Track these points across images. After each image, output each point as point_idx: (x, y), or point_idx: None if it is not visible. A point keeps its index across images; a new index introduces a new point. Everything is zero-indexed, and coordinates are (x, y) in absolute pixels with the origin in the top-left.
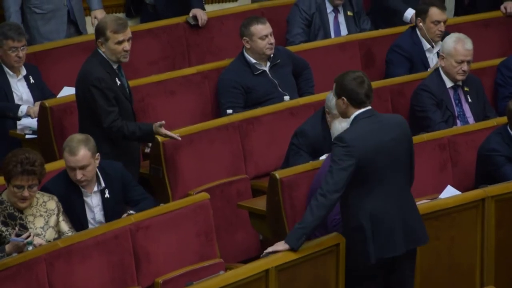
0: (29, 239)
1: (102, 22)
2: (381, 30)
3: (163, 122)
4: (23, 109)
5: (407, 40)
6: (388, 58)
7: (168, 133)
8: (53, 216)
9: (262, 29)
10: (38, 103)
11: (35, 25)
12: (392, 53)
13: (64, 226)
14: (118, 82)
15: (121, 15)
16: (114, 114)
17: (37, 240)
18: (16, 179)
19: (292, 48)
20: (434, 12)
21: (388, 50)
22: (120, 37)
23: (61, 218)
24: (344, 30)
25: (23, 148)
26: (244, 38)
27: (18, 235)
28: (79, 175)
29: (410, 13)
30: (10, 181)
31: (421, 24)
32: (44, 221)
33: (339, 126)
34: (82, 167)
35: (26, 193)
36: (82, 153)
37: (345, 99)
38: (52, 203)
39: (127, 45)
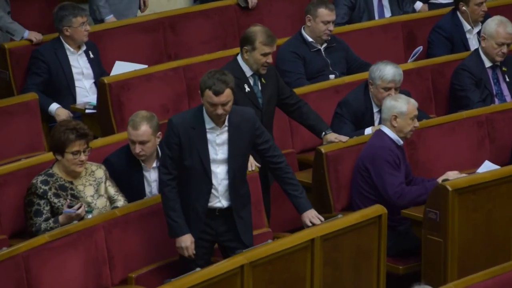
0: (80, 210)
1: (252, 32)
2: (423, 13)
3: None
4: (52, 108)
5: (448, 22)
6: (430, 38)
7: None
8: (101, 184)
9: (327, 14)
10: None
11: (113, 2)
12: (433, 33)
13: (111, 190)
14: (247, 89)
15: None
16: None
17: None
18: (74, 145)
19: (336, 29)
20: None
21: (430, 31)
22: (267, 49)
23: (107, 184)
24: (387, 13)
25: (64, 120)
26: (308, 16)
27: (70, 207)
28: (138, 149)
29: (417, 6)
30: (65, 150)
31: (464, 8)
32: (94, 189)
33: (389, 103)
34: (142, 142)
35: (83, 157)
36: (143, 128)
37: None
38: (100, 172)
39: (270, 58)
